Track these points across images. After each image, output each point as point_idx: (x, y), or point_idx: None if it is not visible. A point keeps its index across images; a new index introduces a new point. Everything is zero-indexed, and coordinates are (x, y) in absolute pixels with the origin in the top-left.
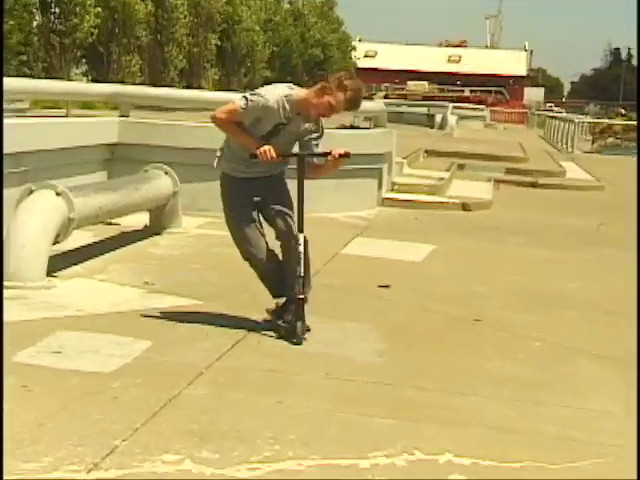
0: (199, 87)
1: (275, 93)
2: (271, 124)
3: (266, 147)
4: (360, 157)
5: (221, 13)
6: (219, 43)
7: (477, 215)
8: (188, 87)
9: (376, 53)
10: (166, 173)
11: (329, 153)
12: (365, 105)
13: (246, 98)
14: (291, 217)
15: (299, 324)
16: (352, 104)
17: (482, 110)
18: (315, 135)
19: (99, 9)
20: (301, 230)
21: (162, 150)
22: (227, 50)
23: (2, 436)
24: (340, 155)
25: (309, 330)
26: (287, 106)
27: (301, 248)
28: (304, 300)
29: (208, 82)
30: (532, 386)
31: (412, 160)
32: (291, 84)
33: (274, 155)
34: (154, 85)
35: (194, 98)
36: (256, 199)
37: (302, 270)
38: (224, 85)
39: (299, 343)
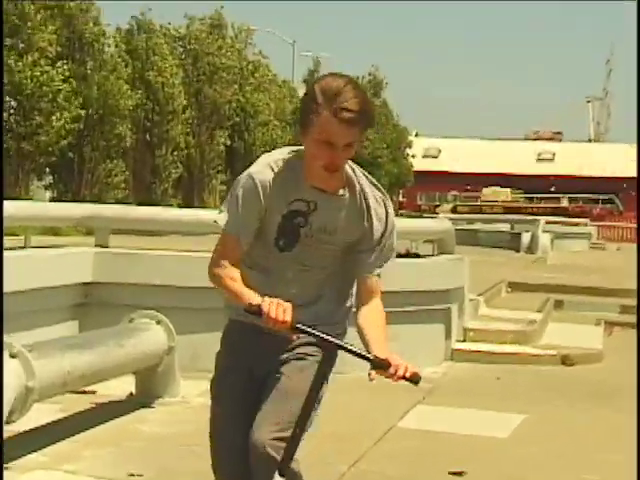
0: (201, 202)
1: (268, 158)
2: (277, 215)
3: (284, 305)
4: (421, 295)
5: (231, 103)
6: (228, 142)
7: (583, 371)
8: (187, 205)
9: (439, 151)
10: (158, 322)
11: (387, 364)
12: (424, 224)
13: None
14: (284, 432)
15: None
16: (354, 117)
17: (586, 225)
18: (365, 244)
19: (79, 110)
20: (282, 473)
21: (153, 290)
22: (238, 151)
23: None
24: (403, 378)
25: None
26: (292, 175)
27: None
28: None
29: (214, 195)
30: None
31: (491, 297)
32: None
33: (288, 319)
34: (141, 202)
35: (194, 220)
36: (256, 372)
37: None
38: None
39: None
